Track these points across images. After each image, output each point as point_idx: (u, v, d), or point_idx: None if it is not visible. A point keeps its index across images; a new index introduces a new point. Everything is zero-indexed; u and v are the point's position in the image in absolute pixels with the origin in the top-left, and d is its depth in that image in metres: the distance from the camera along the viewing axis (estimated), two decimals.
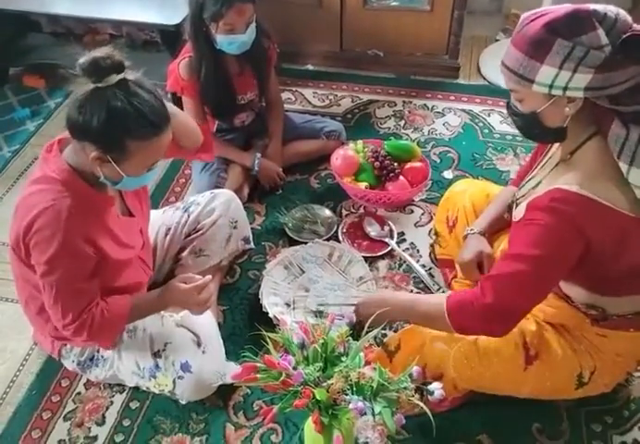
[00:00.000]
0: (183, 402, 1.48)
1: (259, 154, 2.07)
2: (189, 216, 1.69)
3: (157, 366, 1.44)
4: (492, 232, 1.51)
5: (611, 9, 1.05)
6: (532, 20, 1.07)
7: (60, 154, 1.28)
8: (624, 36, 1.03)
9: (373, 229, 1.95)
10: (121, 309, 1.36)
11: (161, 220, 1.71)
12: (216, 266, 1.74)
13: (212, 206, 1.70)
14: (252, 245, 1.84)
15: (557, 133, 1.16)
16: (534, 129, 1.18)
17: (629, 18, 1.07)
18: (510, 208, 1.43)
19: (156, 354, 1.44)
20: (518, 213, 1.27)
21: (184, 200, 1.81)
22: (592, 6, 1.05)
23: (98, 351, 1.49)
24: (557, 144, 1.26)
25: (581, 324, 1.30)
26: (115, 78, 1.16)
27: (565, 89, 1.06)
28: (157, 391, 1.48)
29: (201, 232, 1.68)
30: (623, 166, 1.09)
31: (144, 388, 1.52)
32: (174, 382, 1.43)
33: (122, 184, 1.29)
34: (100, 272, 1.32)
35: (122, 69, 1.18)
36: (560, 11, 1.05)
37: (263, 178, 2.09)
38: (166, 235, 1.69)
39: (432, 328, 1.34)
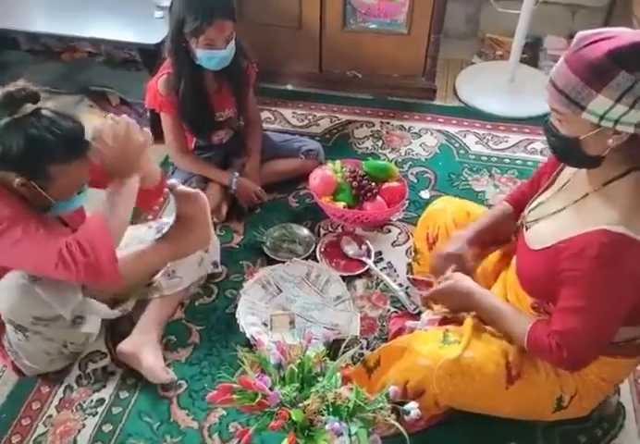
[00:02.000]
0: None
1: (237, 173, 2.08)
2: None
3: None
4: (474, 244, 1.47)
5: None
6: (592, 42, 1.00)
7: None
8: None
9: (350, 249, 1.96)
10: (93, 222, 1.31)
11: (132, 235, 1.68)
12: (185, 292, 1.74)
13: None
14: (219, 269, 1.85)
15: (592, 161, 1.11)
16: (570, 153, 1.13)
17: None
18: (516, 229, 1.41)
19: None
20: (535, 239, 1.25)
21: (157, 220, 1.81)
22: None
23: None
24: (572, 170, 1.24)
25: None
26: (30, 107, 1.23)
27: (617, 122, 1.01)
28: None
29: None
30: None
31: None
32: None
33: (53, 209, 1.33)
34: None
35: (37, 99, 1.24)
36: (623, 38, 0.99)
37: (241, 197, 2.09)
38: None
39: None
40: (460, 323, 1.39)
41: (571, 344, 1.17)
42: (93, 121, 1.29)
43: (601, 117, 1.02)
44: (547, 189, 1.33)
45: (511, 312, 1.30)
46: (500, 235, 1.49)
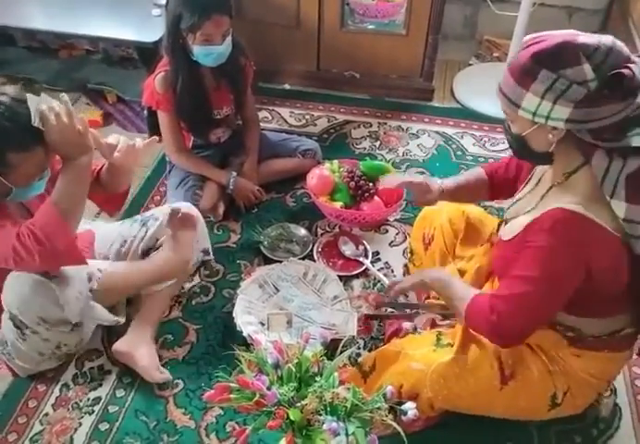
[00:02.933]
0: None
1: (234, 173, 2.08)
2: (146, 232, 1.67)
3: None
4: (451, 194, 1.53)
5: (605, 42, 1.04)
6: (526, 47, 1.09)
7: None
8: (610, 73, 1.02)
9: (347, 248, 1.97)
10: (44, 209, 1.30)
11: (117, 231, 1.69)
12: (176, 285, 1.74)
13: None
14: (211, 256, 1.85)
15: (543, 157, 1.19)
16: (522, 150, 1.21)
17: (625, 50, 1.06)
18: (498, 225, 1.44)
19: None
20: (507, 232, 1.28)
21: (143, 213, 1.80)
22: (583, 39, 1.05)
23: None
24: (542, 167, 1.29)
25: (557, 344, 1.32)
26: None
27: (547, 118, 1.08)
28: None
29: (160, 248, 1.65)
30: (607, 197, 1.10)
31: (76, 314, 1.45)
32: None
33: (13, 195, 1.30)
34: None
35: None
36: (551, 41, 1.06)
37: (238, 196, 2.09)
38: (122, 246, 1.67)
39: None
40: (452, 325, 1.40)
41: (503, 308, 1.19)
42: (36, 104, 1.23)
43: (534, 114, 1.09)
44: (525, 185, 1.36)
45: (463, 283, 1.36)
46: (472, 197, 1.59)
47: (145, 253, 1.68)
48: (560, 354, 1.32)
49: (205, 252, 1.83)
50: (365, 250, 1.97)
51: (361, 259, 1.93)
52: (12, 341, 1.48)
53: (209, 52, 1.85)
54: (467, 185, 1.52)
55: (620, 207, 1.09)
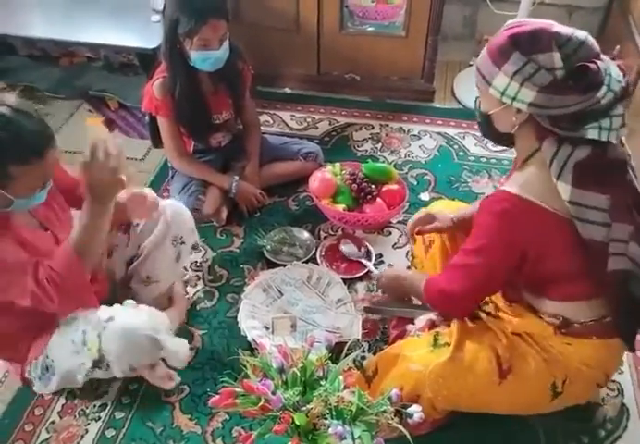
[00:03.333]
0: (118, 376, 1.42)
1: (237, 177, 2.08)
2: (129, 239, 1.64)
3: (85, 331, 1.37)
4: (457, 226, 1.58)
5: (578, 35, 1.11)
6: (506, 29, 1.15)
7: None
8: (577, 65, 1.08)
9: (348, 249, 1.96)
10: (63, 255, 1.30)
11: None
12: (170, 290, 1.73)
13: (150, 227, 1.61)
14: (199, 250, 1.84)
15: (505, 138, 1.27)
16: (485, 128, 1.29)
17: (596, 47, 1.12)
18: None
19: (84, 320, 1.40)
20: None
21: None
22: (557, 28, 1.11)
23: (48, 357, 1.43)
24: None
25: (544, 332, 1.33)
26: None
27: (514, 99, 1.13)
28: (90, 362, 1.39)
29: (143, 256, 1.61)
30: (553, 179, 1.15)
31: (85, 372, 1.42)
32: (99, 336, 1.34)
33: (14, 206, 1.28)
34: None
35: None
36: (530, 26, 1.12)
37: (240, 200, 2.09)
38: (109, 257, 1.65)
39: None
40: (449, 325, 1.41)
41: (450, 274, 1.31)
42: (95, 134, 1.25)
43: (502, 93, 1.14)
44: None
45: (425, 274, 1.50)
46: None
47: (130, 262, 1.65)
48: (551, 343, 1.32)
49: (194, 247, 1.75)
50: (368, 252, 1.97)
51: (363, 261, 1.93)
52: (66, 371, 1.44)
53: (206, 57, 1.86)
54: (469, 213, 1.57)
55: (565, 190, 1.14)
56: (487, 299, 1.44)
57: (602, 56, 1.12)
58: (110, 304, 1.45)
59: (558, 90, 1.09)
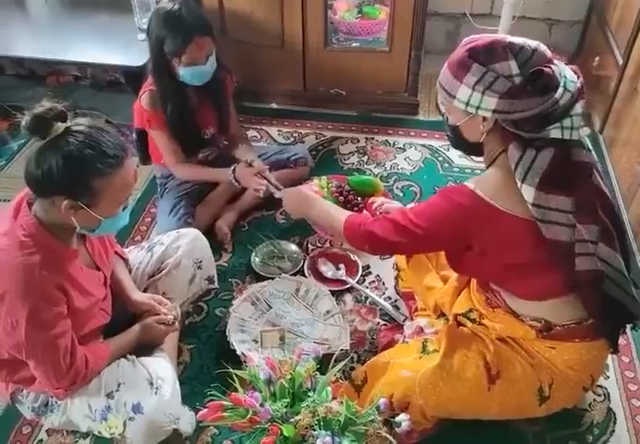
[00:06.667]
0: None
1: (232, 166, 2.00)
2: (152, 256, 1.67)
3: (109, 407, 1.38)
4: None
5: (530, 44, 1.18)
6: (464, 45, 1.21)
7: (29, 208, 1.28)
8: (532, 69, 1.14)
9: (328, 270, 1.96)
10: (101, 361, 1.39)
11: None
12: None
13: (176, 245, 1.68)
14: (215, 285, 1.82)
15: (474, 147, 1.32)
16: (455, 140, 1.34)
17: (548, 53, 1.19)
18: None
19: (109, 395, 1.39)
20: None
21: (149, 239, 1.80)
22: (510, 39, 1.18)
23: (52, 397, 1.43)
24: None
25: (527, 336, 1.35)
26: (60, 126, 1.20)
27: (478, 108, 1.18)
28: (108, 435, 1.41)
29: (164, 272, 1.65)
30: (518, 182, 1.18)
31: (96, 433, 1.45)
32: (125, 424, 1.36)
33: (101, 228, 1.30)
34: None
35: (65, 117, 1.21)
36: (485, 40, 1.19)
37: (244, 183, 2.00)
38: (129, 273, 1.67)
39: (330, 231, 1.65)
40: (437, 332, 1.42)
41: (387, 230, 1.33)
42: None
43: (466, 104, 1.19)
44: None
45: (337, 208, 1.57)
46: None
47: (151, 276, 1.67)
48: (536, 348, 1.34)
49: (210, 279, 1.80)
50: (356, 265, 1.98)
51: (344, 278, 1.92)
52: (70, 421, 1.44)
53: (195, 73, 1.88)
54: None
55: (529, 192, 1.17)
56: (472, 306, 1.45)
57: (555, 61, 1.18)
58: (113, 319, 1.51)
59: (517, 95, 1.14)
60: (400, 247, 1.38)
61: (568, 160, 1.19)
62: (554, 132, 1.17)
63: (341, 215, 1.47)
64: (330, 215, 1.51)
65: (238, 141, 2.19)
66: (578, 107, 1.18)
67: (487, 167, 1.29)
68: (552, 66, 1.16)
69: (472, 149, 1.35)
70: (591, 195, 1.22)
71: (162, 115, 1.95)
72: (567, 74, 1.17)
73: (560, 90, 1.15)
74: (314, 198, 1.62)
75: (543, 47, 1.18)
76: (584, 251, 1.20)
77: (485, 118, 1.21)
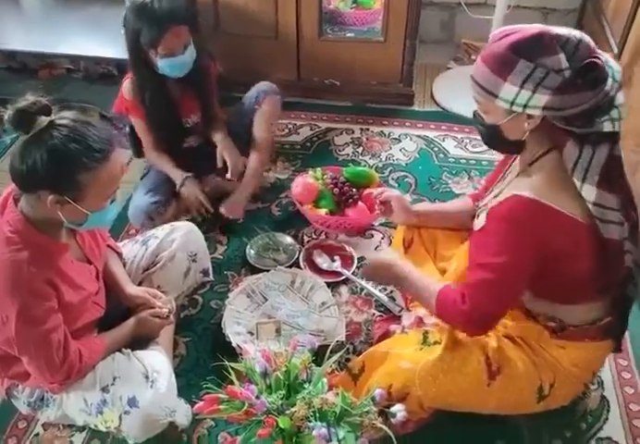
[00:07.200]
0: (131, 443, 1.41)
1: (188, 174, 2.02)
2: (146, 249, 1.66)
3: (104, 401, 1.37)
4: (418, 219, 1.62)
5: (575, 34, 1.11)
6: (500, 38, 1.13)
7: (15, 204, 1.27)
8: (584, 62, 1.08)
9: (323, 261, 1.95)
10: (96, 354, 1.39)
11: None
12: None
13: (170, 239, 1.67)
14: (210, 277, 1.82)
15: (515, 145, 1.24)
16: (494, 139, 1.25)
17: (592, 43, 1.12)
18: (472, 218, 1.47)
19: (104, 389, 1.38)
20: (478, 222, 1.32)
21: (143, 233, 1.80)
22: (556, 31, 1.11)
23: (47, 392, 1.43)
24: (518, 158, 1.32)
25: (540, 336, 1.34)
26: (44, 120, 1.18)
27: (525, 106, 1.12)
28: (104, 428, 1.41)
29: (159, 265, 1.64)
30: (577, 182, 1.15)
31: (92, 427, 1.45)
32: (120, 418, 1.36)
33: (88, 222, 1.29)
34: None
35: (49, 111, 1.19)
36: (527, 32, 1.11)
37: (187, 202, 2.04)
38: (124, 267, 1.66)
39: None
40: (438, 323, 1.42)
41: (471, 297, 1.24)
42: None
43: (512, 103, 1.12)
44: (498, 182, 1.39)
45: (427, 277, 1.41)
46: (456, 223, 1.60)
47: (146, 270, 1.66)
48: (545, 346, 1.34)
49: (205, 272, 1.79)
50: (347, 258, 1.97)
51: (339, 270, 1.92)
52: (66, 415, 1.44)
53: (173, 64, 1.86)
54: (441, 210, 1.61)
55: (590, 192, 1.14)
56: None
57: (598, 51, 1.12)
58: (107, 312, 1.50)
59: (569, 90, 1.08)
60: (501, 305, 1.27)
61: (613, 155, 1.15)
62: (607, 125, 1.12)
63: (432, 288, 1.33)
64: (423, 282, 1.38)
65: (214, 125, 2.13)
66: (620, 97, 1.13)
67: (527, 167, 1.24)
68: (600, 56, 1.11)
69: (511, 147, 1.27)
70: (627, 191, 1.20)
71: (141, 104, 1.94)
72: (612, 64, 1.12)
73: (610, 81, 1.10)
74: (404, 276, 1.42)
75: (587, 37, 1.12)
76: (627, 248, 1.20)
77: (530, 116, 1.15)
